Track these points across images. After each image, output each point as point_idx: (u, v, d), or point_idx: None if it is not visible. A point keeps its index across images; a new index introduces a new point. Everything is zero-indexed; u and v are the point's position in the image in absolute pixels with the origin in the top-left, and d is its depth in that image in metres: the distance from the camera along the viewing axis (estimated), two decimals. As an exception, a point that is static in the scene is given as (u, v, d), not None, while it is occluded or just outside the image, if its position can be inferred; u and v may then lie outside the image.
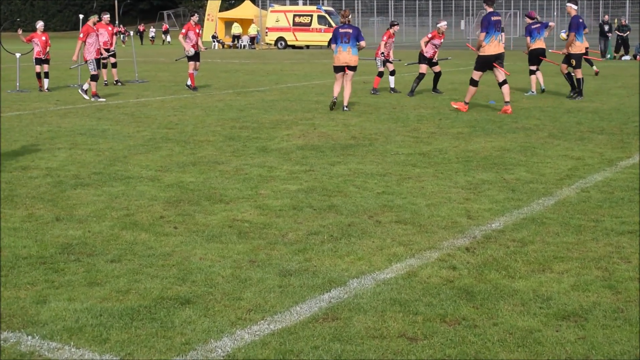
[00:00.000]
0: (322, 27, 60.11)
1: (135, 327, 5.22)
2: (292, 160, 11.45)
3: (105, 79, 25.29)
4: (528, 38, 21.19)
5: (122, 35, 67.40)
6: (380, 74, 22.52)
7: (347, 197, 9.05)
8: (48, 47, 23.23)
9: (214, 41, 65.17)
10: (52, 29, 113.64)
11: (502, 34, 17.45)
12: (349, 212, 8.35)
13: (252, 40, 65.48)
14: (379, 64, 22.35)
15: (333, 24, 59.89)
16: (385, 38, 22.17)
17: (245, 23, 67.68)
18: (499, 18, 17.16)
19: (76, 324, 5.26)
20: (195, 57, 22.89)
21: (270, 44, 62.75)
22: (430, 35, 21.42)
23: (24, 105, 19.27)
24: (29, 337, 5.05)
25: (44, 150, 12.42)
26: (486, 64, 17.16)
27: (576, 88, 20.07)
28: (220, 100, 20.34)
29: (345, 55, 17.64)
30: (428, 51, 21.41)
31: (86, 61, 20.93)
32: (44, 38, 23.02)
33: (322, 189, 9.45)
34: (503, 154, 11.78)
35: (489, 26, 16.83)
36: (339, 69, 17.83)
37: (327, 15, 60.38)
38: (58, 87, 24.52)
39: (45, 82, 23.36)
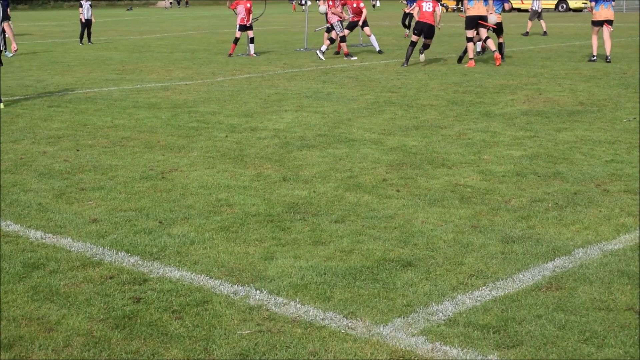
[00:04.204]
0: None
1: (358, 287, 5.32)
2: (516, 125, 11.24)
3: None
4: None
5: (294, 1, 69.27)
6: None
7: (573, 164, 8.79)
8: (251, 14, 23.72)
9: (438, 5, 64.62)
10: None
11: None
12: (575, 179, 8.12)
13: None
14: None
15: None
16: None
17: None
18: None
19: (301, 281, 5.42)
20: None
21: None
22: None
23: (254, 68, 19.93)
24: (257, 292, 5.26)
25: (271, 112, 12.82)
26: (473, 22, 19.63)
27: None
28: (444, 64, 20.23)
29: (607, 11, 19.87)
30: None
31: (331, 25, 22.52)
32: (248, 5, 23.48)
33: (547, 155, 9.24)
34: None
35: None
36: (598, 24, 20.07)
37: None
38: (286, 51, 25.16)
39: (251, 47, 23.84)
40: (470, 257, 5.87)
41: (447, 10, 64.76)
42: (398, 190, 7.81)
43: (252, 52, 23.81)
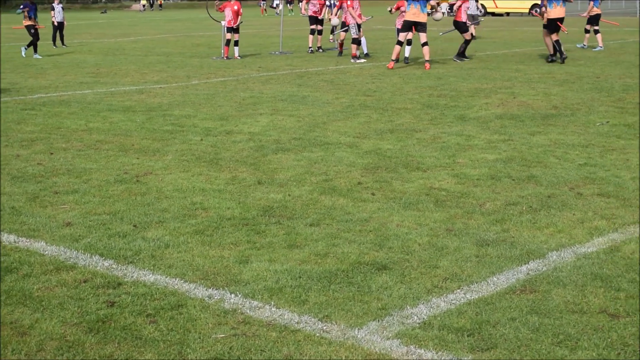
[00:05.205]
0: (524, -7, 58.57)
1: (333, 290, 5.32)
2: (491, 129, 11.29)
3: (310, 46, 25.92)
4: (592, 3, 25.41)
5: (263, 3, 69.33)
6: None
7: (547, 167, 8.85)
8: (239, 17, 23.79)
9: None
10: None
11: (419, 4, 20.20)
12: (548, 183, 8.17)
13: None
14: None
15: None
16: None
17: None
18: None
19: (276, 285, 5.42)
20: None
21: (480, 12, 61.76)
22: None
23: (228, 72, 19.90)
24: (232, 295, 5.24)
25: (246, 115, 12.80)
26: (407, 27, 20.55)
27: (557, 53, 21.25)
28: (419, 68, 20.28)
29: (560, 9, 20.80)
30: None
31: (348, 25, 23.16)
32: (235, 7, 23.63)
33: (521, 159, 9.28)
34: None
35: None
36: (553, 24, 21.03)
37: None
38: (261, 55, 25.16)
39: (236, 50, 23.97)
40: (445, 261, 5.89)
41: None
42: (373, 194, 7.82)
43: (236, 54, 23.97)
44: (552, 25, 20.83)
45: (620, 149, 9.82)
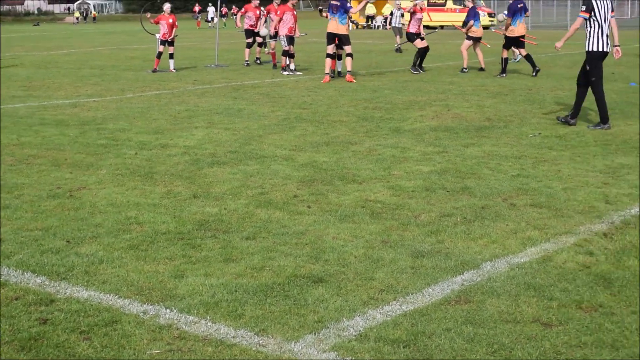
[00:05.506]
0: (457, 7, 59.29)
1: (269, 304, 5.31)
2: (425, 141, 11.39)
3: (247, 59, 25.90)
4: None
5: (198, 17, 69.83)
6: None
7: (481, 179, 8.95)
8: (175, 29, 23.66)
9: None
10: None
11: (337, 16, 20.18)
12: (482, 194, 8.26)
13: (386, 20, 65.19)
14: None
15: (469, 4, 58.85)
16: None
17: (379, 3, 67.36)
18: (336, 3, 20.16)
19: (212, 299, 5.39)
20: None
21: (404, 24, 62.31)
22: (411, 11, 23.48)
23: (163, 85, 19.77)
24: (167, 310, 5.20)
25: (182, 128, 12.73)
26: (330, 38, 20.35)
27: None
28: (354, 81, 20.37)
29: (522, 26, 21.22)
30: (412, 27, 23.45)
31: (278, 36, 23.11)
32: (170, 20, 23.46)
33: (456, 170, 9.38)
34: (644, 138, 11.41)
35: (329, 8, 20.48)
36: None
37: (462, -5, 59.52)
38: (196, 68, 25.05)
39: (171, 62, 23.80)
40: (380, 272, 5.92)
41: (357, 27, 65.33)
42: (309, 207, 7.83)
43: (171, 67, 23.73)
44: (516, 42, 21.40)
45: (551, 160, 9.97)
